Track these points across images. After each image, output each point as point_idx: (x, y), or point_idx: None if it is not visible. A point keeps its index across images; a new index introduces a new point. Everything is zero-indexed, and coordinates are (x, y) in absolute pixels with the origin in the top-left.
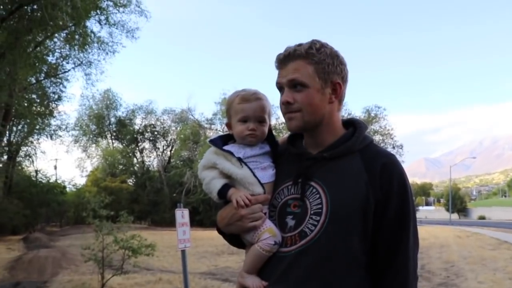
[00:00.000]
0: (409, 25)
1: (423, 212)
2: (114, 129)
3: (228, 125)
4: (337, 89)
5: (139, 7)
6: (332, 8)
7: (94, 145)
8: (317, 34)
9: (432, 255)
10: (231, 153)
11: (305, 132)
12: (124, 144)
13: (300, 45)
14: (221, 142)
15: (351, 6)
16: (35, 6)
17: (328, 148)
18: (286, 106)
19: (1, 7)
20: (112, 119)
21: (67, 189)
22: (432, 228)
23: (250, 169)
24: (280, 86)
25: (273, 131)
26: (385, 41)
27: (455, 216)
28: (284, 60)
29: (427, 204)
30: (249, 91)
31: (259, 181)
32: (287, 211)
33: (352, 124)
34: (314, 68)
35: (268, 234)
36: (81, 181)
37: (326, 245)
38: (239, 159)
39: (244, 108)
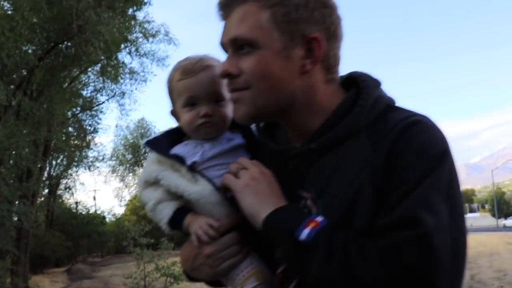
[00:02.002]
0: (431, 23)
1: (468, 220)
2: None
3: (173, 113)
4: (313, 48)
5: (167, 35)
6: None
7: (131, 174)
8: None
9: (482, 265)
10: (179, 160)
11: (263, 121)
12: None
13: None
14: (167, 142)
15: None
16: (69, 44)
17: (317, 134)
18: (228, 81)
19: (39, 47)
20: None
21: (107, 219)
22: (480, 235)
23: (210, 181)
24: (225, 49)
25: None
26: (405, 41)
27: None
28: (227, 4)
29: (471, 211)
30: (192, 59)
31: (226, 197)
32: None
33: (353, 84)
34: (270, 15)
35: (254, 281)
36: (120, 210)
37: None
38: (191, 168)
39: (188, 85)
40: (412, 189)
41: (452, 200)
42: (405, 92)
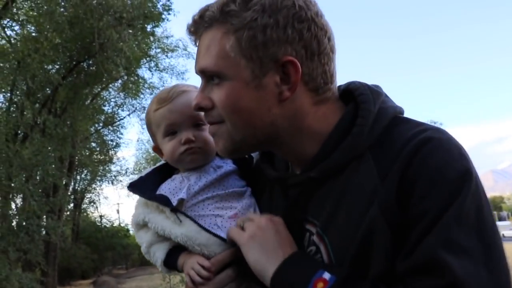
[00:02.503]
0: (458, 23)
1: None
2: None
3: (155, 149)
4: (289, 73)
5: (185, 50)
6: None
7: None
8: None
9: None
10: (163, 201)
11: (244, 155)
12: None
13: None
14: (153, 180)
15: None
16: (90, 62)
17: (315, 160)
18: (204, 114)
19: (62, 65)
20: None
21: (131, 232)
22: (510, 245)
23: (195, 222)
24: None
25: None
26: (428, 43)
27: None
28: (195, 29)
29: (500, 219)
30: (167, 87)
31: (216, 235)
32: None
33: (350, 97)
34: (234, 42)
35: None
36: None
37: None
38: (175, 209)
39: (165, 113)
40: (432, 225)
41: (483, 233)
42: (428, 95)
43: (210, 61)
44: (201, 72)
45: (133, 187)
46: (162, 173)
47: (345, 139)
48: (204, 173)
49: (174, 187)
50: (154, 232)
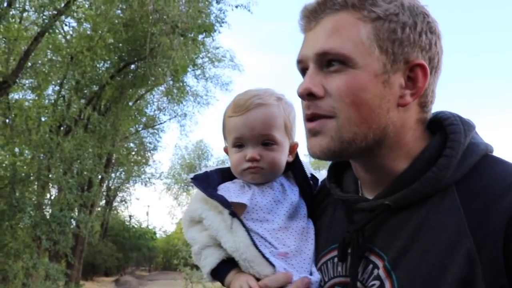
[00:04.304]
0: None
1: None
2: None
3: (226, 151)
4: (417, 78)
5: (232, 61)
6: None
7: (185, 193)
8: None
9: None
10: (224, 202)
11: (344, 159)
12: None
13: None
14: (217, 178)
15: None
16: (139, 64)
17: (393, 186)
18: (307, 104)
19: (111, 65)
20: (203, 169)
21: (157, 235)
22: None
23: (249, 234)
24: (302, 67)
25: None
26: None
27: None
28: (315, 12)
29: None
30: (248, 94)
31: (264, 256)
32: None
33: (438, 127)
34: (372, 30)
35: None
36: (171, 228)
37: None
38: (233, 214)
39: (236, 124)
40: None
41: None
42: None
43: (341, 44)
44: (321, 54)
45: (197, 180)
46: (225, 175)
47: (430, 170)
48: (269, 188)
49: (236, 191)
50: (211, 235)
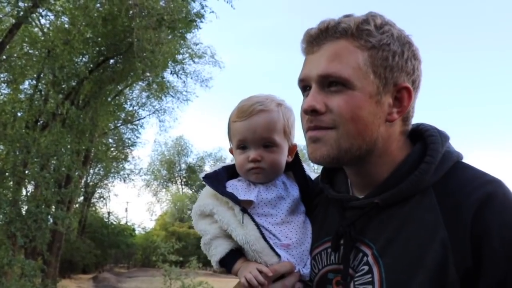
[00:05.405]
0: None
1: None
2: (184, 175)
3: (231, 151)
4: (403, 98)
5: (213, 57)
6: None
7: (164, 190)
8: None
9: None
10: (234, 199)
11: (340, 165)
12: (193, 190)
13: (348, 16)
14: (225, 176)
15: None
16: (118, 59)
17: (381, 188)
18: (310, 118)
19: (90, 59)
20: (183, 165)
21: (136, 232)
22: None
23: (258, 228)
24: (304, 85)
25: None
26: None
27: None
28: (317, 38)
29: None
30: (252, 100)
31: (272, 249)
32: None
33: (419, 137)
34: (368, 57)
35: None
36: (150, 224)
37: None
38: (244, 210)
39: (240, 128)
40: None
41: None
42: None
43: (340, 68)
44: (323, 76)
45: (208, 179)
46: (231, 171)
47: (413, 173)
48: (273, 186)
49: (241, 187)
50: (221, 227)
